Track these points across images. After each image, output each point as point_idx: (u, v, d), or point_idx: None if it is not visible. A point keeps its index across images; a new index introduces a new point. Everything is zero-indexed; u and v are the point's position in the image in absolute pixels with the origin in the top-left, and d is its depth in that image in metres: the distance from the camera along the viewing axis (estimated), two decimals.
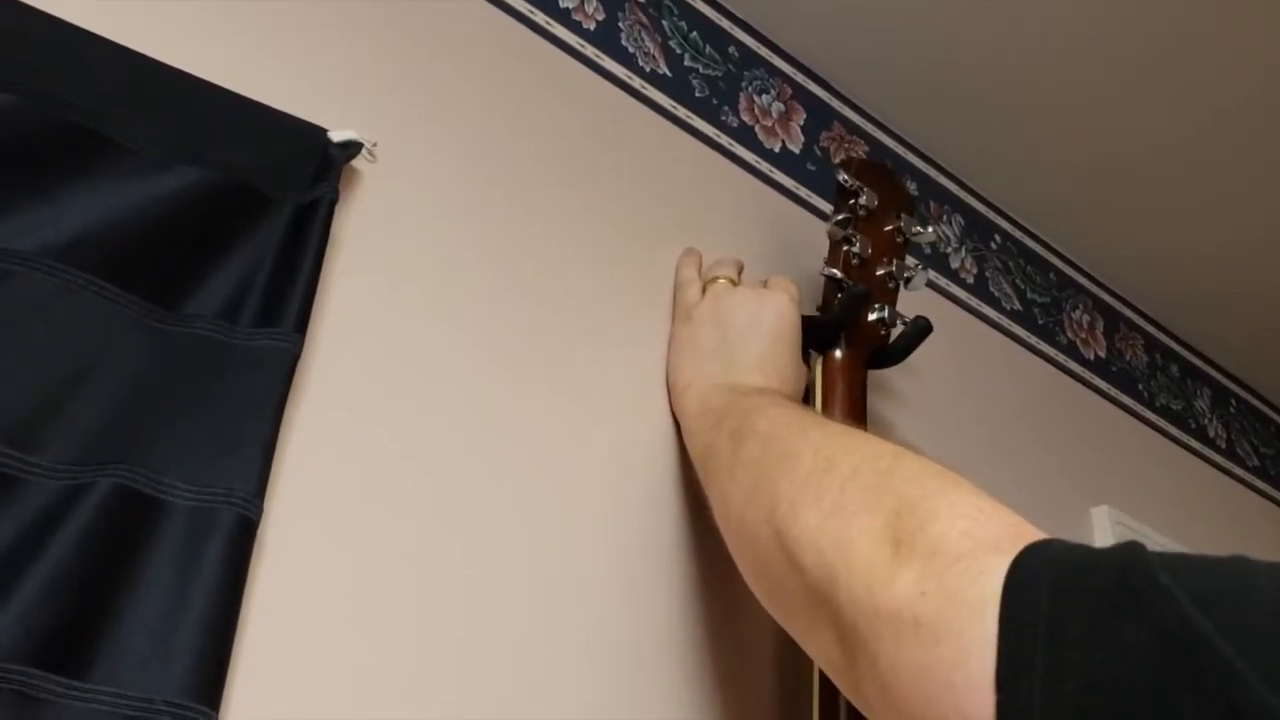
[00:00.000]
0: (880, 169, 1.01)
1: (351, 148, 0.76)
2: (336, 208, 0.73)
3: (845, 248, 0.94)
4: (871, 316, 0.93)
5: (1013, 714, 0.42)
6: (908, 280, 0.97)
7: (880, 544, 0.53)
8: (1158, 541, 1.28)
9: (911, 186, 1.23)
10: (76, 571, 0.56)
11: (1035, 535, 0.49)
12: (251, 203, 0.70)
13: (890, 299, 0.95)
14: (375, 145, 0.77)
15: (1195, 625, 0.39)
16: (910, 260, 0.99)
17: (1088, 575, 0.44)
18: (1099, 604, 0.43)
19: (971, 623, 0.45)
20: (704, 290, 0.92)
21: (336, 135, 0.76)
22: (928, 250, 1.20)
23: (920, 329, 0.93)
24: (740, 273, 0.93)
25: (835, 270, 0.93)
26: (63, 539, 0.56)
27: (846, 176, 0.96)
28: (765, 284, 0.91)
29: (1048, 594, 0.44)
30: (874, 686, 0.51)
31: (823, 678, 0.80)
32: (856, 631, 0.53)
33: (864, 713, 0.55)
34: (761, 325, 0.86)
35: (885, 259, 0.96)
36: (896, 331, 0.94)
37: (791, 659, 0.84)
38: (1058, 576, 0.45)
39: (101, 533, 0.58)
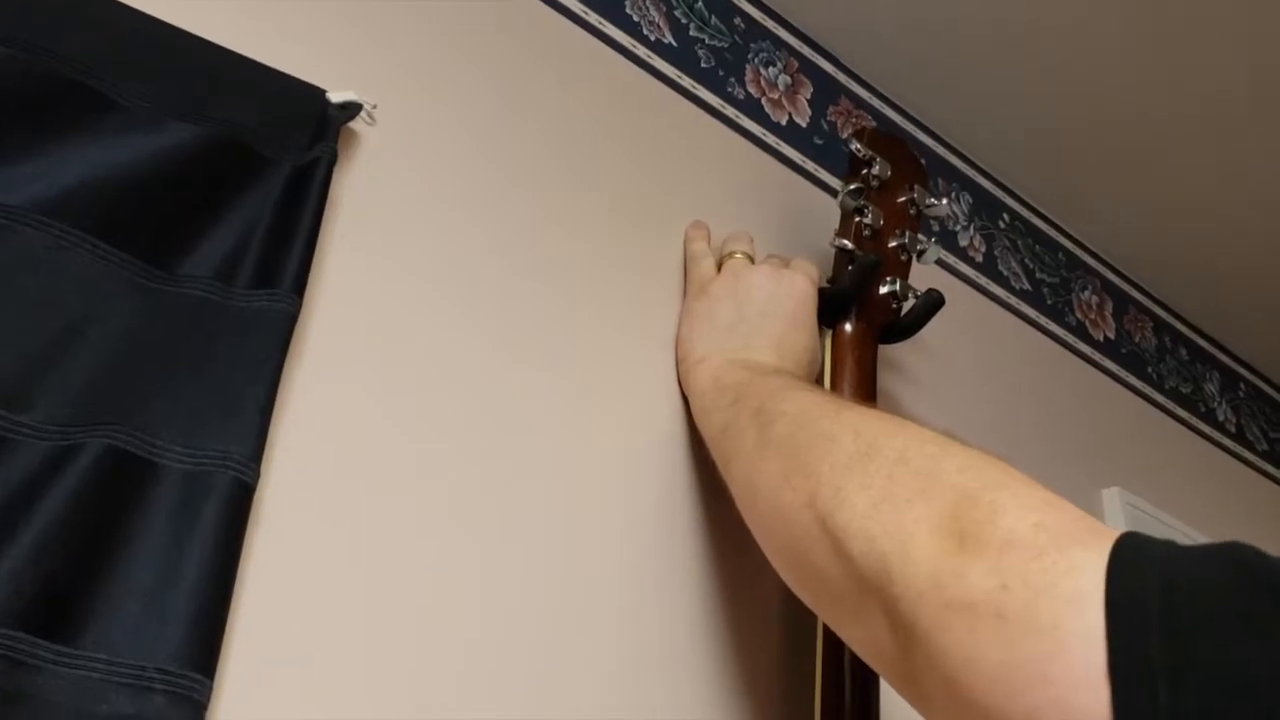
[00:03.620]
0: (893, 140, 0.99)
1: (350, 109, 0.74)
2: (335, 169, 0.71)
3: (857, 219, 0.92)
4: (883, 289, 0.91)
5: (1133, 707, 0.41)
6: (920, 253, 0.95)
7: (943, 535, 0.52)
8: (1169, 524, 1.27)
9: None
10: (67, 535, 0.54)
11: (1109, 530, 0.47)
12: (248, 162, 0.69)
13: (902, 272, 0.93)
14: (375, 107, 0.75)
15: None
16: (921, 235, 0.97)
17: (1200, 571, 0.43)
18: (1220, 603, 0.42)
19: (1067, 616, 0.44)
20: (719, 265, 0.90)
21: (335, 96, 0.74)
22: (936, 228, 1.18)
23: (932, 302, 0.91)
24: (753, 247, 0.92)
25: (846, 241, 0.91)
26: (53, 501, 0.54)
27: (859, 146, 0.94)
28: (787, 264, 0.88)
29: (1157, 589, 0.43)
30: (936, 679, 0.50)
31: (825, 663, 0.78)
32: (916, 623, 0.51)
33: (915, 704, 0.53)
34: (780, 306, 0.84)
35: (898, 231, 0.94)
36: (908, 305, 0.93)
37: (798, 642, 0.83)
38: (1165, 572, 0.43)
39: (93, 495, 0.56)
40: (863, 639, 0.58)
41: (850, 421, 0.64)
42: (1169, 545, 0.46)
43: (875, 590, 0.54)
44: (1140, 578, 0.44)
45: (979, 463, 0.56)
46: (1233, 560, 0.43)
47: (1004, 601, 0.46)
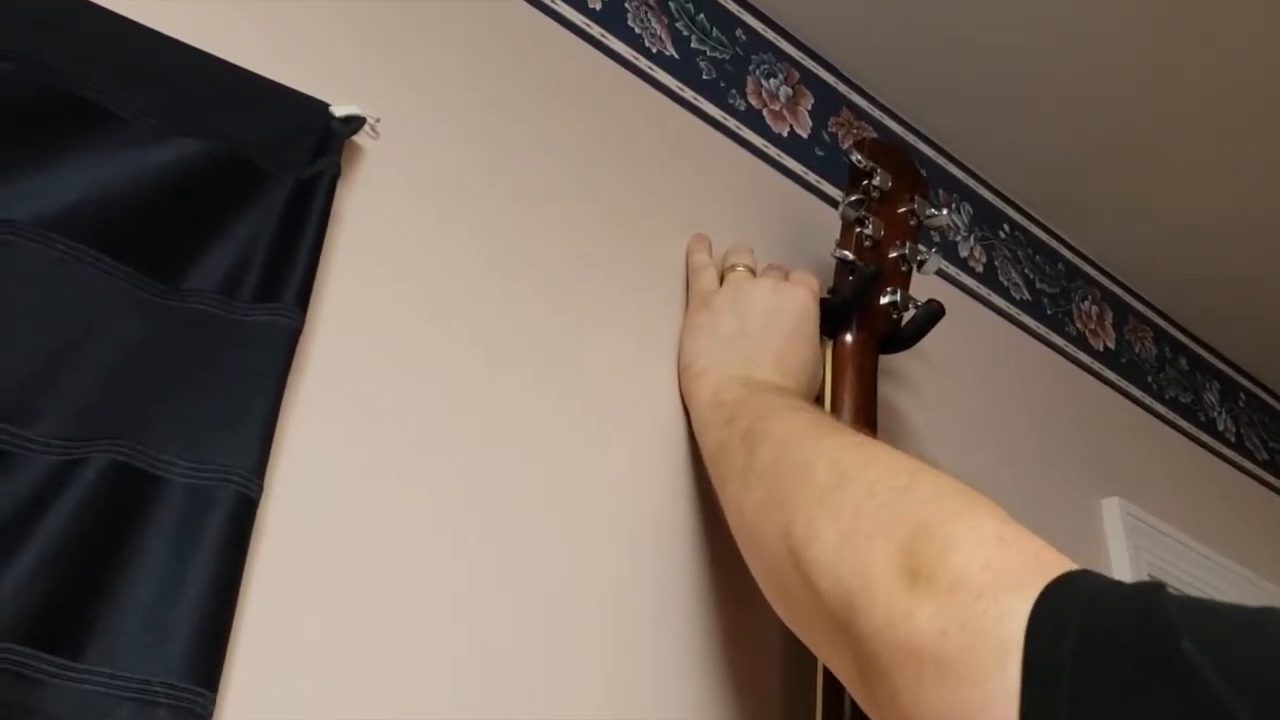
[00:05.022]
0: (894, 150, 0.99)
1: (354, 123, 0.74)
2: (338, 183, 0.71)
3: (858, 230, 0.93)
4: (884, 299, 0.91)
5: None
6: (920, 264, 0.95)
7: (896, 573, 0.52)
8: (1169, 534, 1.27)
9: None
10: (71, 549, 0.54)
11: (1057, 565, 0.48)
12: (251, 176, 0.69)
13: (903, 283, 0.93)
14: (378, 121, 0.76)
15: (1223, 704, 0.38)
16: (922, 246, 0.97)
17: (1111, 630, 0.44)
18: (1123, 663, 0.42)
19: (993, 669, 0.45)
20: (722, 277, 0.90)
21: (338, 110, 0.74)
22: (937, 238, 1.19)
23: (932, 312, 0.92)
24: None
25: (847, 252, 0.91)
26: (57, 515, 0.55)
27: (860, 157, 0.94)
28: (787, 276, 0.89)
29: (1069, 644, 0.43)
30: (896, 716, 0.51)
31: (826, 675, 0.78)
32: (877, 661, 0.52)
33: None
34: (782, 320, 0.84)
35: (898, 242, 0.94)
36: (908, 316, 0.93)
37: (797, 653, 0.83)
38: (1079, 625, 0.44)
39: (97, 510, 0.56)
40: (836, 669, 0.60)
41: (828, 451, 0.64)
42: (1096, 590, 0.46)
43: (843, 627, 0.55)
44: (1059, 629, 0.44)
45: (945, 490, 0.56)
46: (1141, 618, 0.43)
47: (943, 648, 0.47)
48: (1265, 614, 0.42)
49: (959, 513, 0.53)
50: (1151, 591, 0.45)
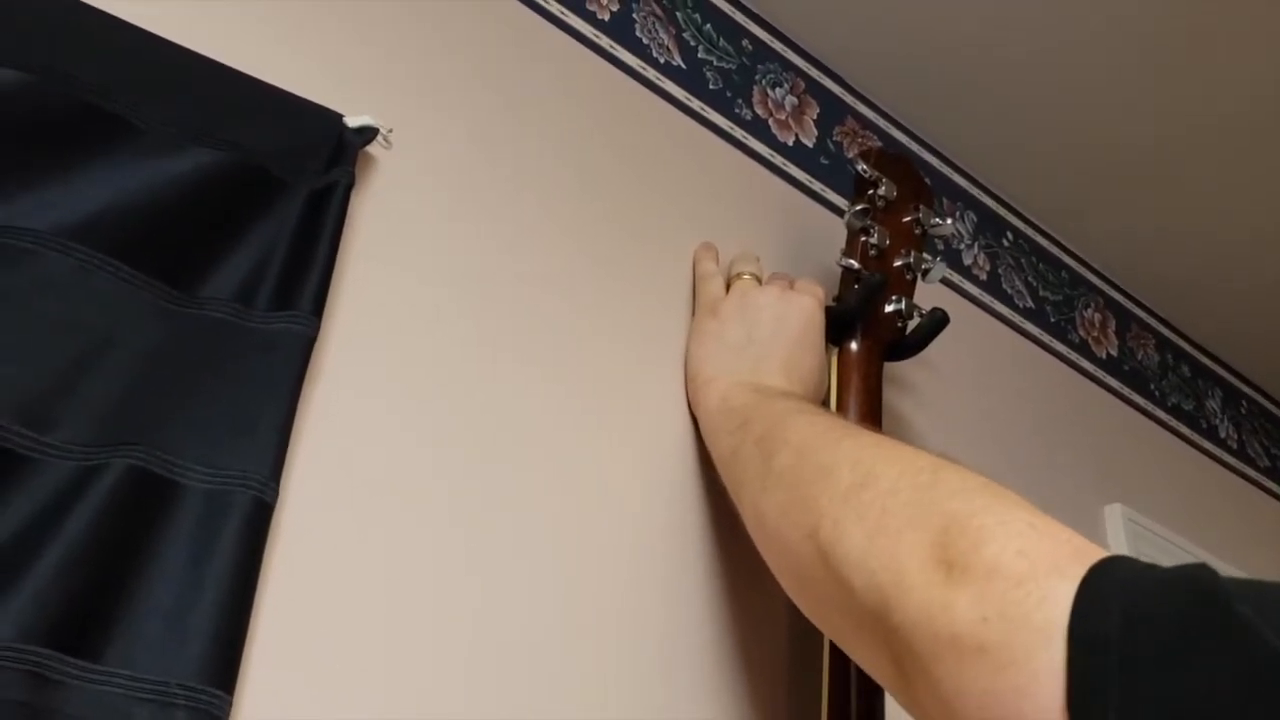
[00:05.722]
0: (899, 160, 1.00)
1: (367, 133, 0.75)
2: (352, 193, 0.72)
3: (863, 238, 0.93)
4: (889, 308, 0.92)
5: None
6: (925, 272, 0.96)
7: (932, 566, 0.52)
8: (1171, 540, 1.27)
9: None
10: (91, 553, 0.55)
11: (1093, 553, 0.48)
12: (267, 186, 0.70)
13: (908, 291, 0.94)
14: (391, 131, 0.77)
15: None
16: (927, 254, 0.98)
17: (1159, 601, 0.44)
18: (1175, 633, 0.42)
19: (1037, 649, 0.45)
20: (728, 285, 0.91)
21: (352, 120, 0.75)
22: (941, 246, 1.20)
23: (937, 321, 0.92)
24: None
25: (853, 261, 0.92)
26: (77, 520, 0.56)
27: (865, 167, 0.95)
28: (792, 284, 0.90)
29: (1118, 620, 0.43)
30: (938, 707, 0.50)
31: (832, 667, 0.79)
32: (915, 654, 0.52)
33: None
34: (788, 327, 0.85)
35: (903, 250, 0.95)
36: (913, 324, 0.94)
37: (804, 654, 0.84)
38: (1127, 603, 0.44)
39: (116, 514, 0.57)
40: (869, 664, 0.60)
41: (849, 452, 0.65)
42: (1141, 572, 0.46)
43: (876, 621, 0.55)
44: (1104, 610, 0.44)
45: (971, 485, 0.56)
46: (1190, 589, 0.43)
47: (985, 634, 0.47)
48: None
49: (988, 506, 0.53)
50: (1199, 568, 0.45)
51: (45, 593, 0.53)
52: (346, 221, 0.71)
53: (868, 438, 0.67)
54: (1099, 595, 0.45)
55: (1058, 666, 0.44)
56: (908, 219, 0.96)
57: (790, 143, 1.11)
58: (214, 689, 0.55)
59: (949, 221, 0.99)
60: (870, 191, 0.95)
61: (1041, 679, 0.44)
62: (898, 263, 0.95)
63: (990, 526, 0.51)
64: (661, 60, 1.03)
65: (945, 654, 0.49)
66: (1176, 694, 0.41)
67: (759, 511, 0.71)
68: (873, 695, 0.78)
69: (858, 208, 0.94)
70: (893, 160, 0.99)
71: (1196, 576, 0.44)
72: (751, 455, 0.73)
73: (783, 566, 0.69)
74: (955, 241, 1.24)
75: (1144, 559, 0.47)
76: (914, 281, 0.95)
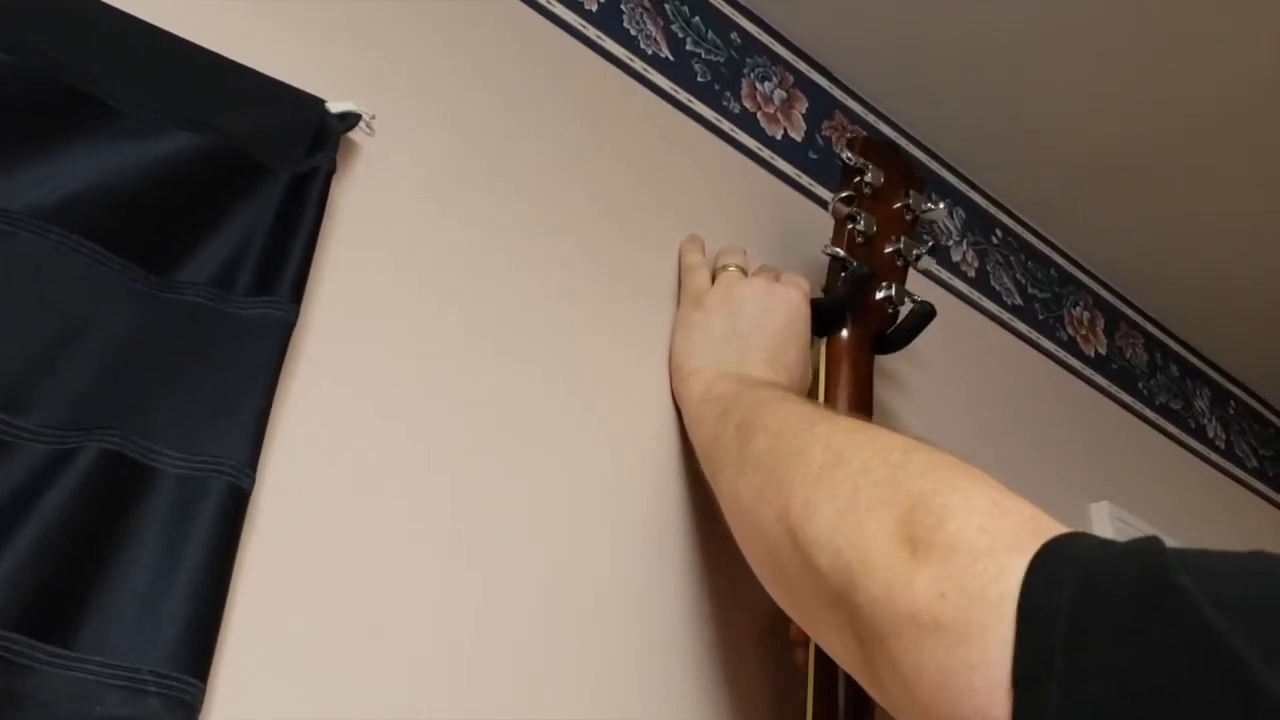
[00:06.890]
0: (886, 147, 0.99)
1: (349, 119, 0.75)
2: (334, 178, 0.72)
3: (849, 225, 0.93)
4: (879, 294, 0.91)
5: (1029, 715, 0.42)
6: (917, 258, 0.95)
7: (896, 543, 0.53)
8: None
9: None
10: (63, 538, 0.55)
11: (1053, 528, 0.48)
12: (247, 170, 0.69)
13: (898, 277, 0.94)
14: (373, 118, 0.76)
15: (1217, 631, 0.39)
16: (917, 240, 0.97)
17: (1107, 575, 0.44)
18: (1120, 606, 0.42)
19: (991, 623, 0.45)
20: (713, 277, 0.91)
21: (334, 106, 0.74)
22: (929, 241, 1.19)
23: (924, 313, 0.92)
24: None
25: (838, 249, 0.91)
26: (50, 504, 0.55)
27: (851, 154, 0.94)
28: (778, 277, 0.89)
29: (1067, 594, 0.43)
30: (897, 685, 0.51)
31: (818, 666, 0.78)
32: (876, 632, 0.52)
33: (887, 709, 0.54)
34: (773, 319, 0.85)
35: (893, 236, 0.94)
36: (905, 310, 0.93)
37: (790, 650, 0.83)
38: (1077, 576, 0.44)
39: (90, 499, 0.56)
40: (836, 647, 0.60)
41: (823, 434, 0.65)
42: (1096, 548, 0.46)
43: (842, 601, 0.55)
44: (1055, 582, 0.44)
45: (940, 463, 0.56)
46: (1139, 563, 0.43)
47: (942, 610, 0.47)
48: (1258, 554, 0.43)
49: (954, 483, 0.54)
50: (1149, 541, 0.45)
51: (16, 577, 0.53)
52: (328, 208, 0.71)
53: (845, 422, 0.67)
54: (1051, 569, 0.45)
55: (1007, 639, 0.44)
56: (898, 205, 0.96)
57: (779, 136, 1.11)
58: (187, 676, 0.54)
59: (941, 205, 0.98)
60: (856, 179, 0.94)
61: (991, 653, 0.44)
62: (888, 249, 0.94)
63: (954, 503, 0.52)
64: (649, 52, 1.02)
65: (904, 630, 0.49)
66: (1118, 667, 0.40)
67: (735, 495, 0.71)
68: (860, 696, 0.77)
69: (843, 194, 0.94)
70: (879, 148, 0.98)
71: (1146, 549, 0.44)
72: (730, 441, 0.73)
73: (755, 550, 0.69)
74: (945, 238, 1.24)
75: None
76: (905, 268, 0.95)
